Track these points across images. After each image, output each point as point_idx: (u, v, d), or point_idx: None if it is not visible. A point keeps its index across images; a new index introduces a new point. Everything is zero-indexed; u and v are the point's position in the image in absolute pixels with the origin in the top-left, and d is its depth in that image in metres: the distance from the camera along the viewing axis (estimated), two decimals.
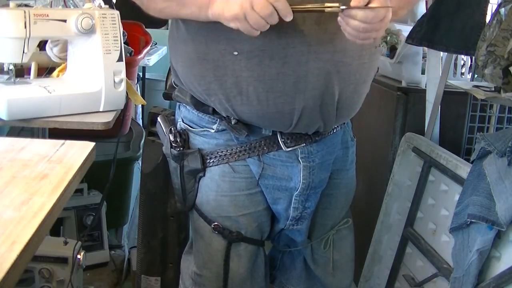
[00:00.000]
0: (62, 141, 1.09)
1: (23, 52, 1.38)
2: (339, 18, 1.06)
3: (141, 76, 3.58)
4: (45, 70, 1.64)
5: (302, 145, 1.27)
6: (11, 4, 1.52)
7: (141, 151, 2.33)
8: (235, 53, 1.15)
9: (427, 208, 1.74)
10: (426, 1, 1.90)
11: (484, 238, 1.27)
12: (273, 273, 1.51)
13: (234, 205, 1.30)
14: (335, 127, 1.31)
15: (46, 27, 1.39)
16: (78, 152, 1.05)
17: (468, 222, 1.32)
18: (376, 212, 1.96)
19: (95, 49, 1.47)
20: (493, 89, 1.64)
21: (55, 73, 1.62)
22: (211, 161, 1.28)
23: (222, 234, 1.31)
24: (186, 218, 1.70)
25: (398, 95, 1.96)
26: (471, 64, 1.98)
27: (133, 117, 2.98)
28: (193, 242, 1.41)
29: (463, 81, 1.93)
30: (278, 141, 1.26)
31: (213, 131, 1.28)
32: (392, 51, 2.05)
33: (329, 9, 1.04)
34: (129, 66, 1.97)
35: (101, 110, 1.49)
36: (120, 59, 1.50)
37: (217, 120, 1.27)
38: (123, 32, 1.89)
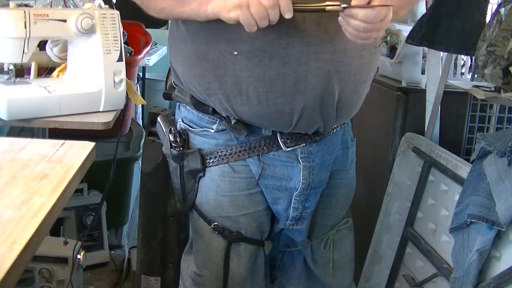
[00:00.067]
0: (62, 141, 1.09)
1: (23, 52, 1.38)
2: (339, 18, 1.06)
3: (141, 76, 3.58)
4: (45, 70, 1.64)
5: (302, 145, 1.27)
6: (11, 4, 1.52)
7: (141, 151, 2.33)
8: (235, 53, 1.15)
9: (427, 208, 1.74)
10: (426, 1, 1.90)
11: (484, 238, 1.27)
12: (273, 273, 1.51)
13: (234, 205, 1.30)
14: (335, 127, 1.31)
15: (46, 27, 1.39)
16: (78, 152, 1.05)
17: (468, 222, 1.32)
18: (376, 212, 1.96)
19: (95, 49, 1.47)
20: (493, 89, 1.64)
21: (55, 73, 1.62)
22: (211, 161, 1.28)
23: (222, 234, 1.31)
24: (186, 218, 1.70)
25: (398, 95, 1.96)
26: (471, 64, 1.98)
27: (133, 117, 2.98)
28: (193, 242, 1.41)
29: (463, 81, 1.93)
30: (278, 141, 1.26)
31: (213, 131, 1.28)
32: (392, 51, 2.05)
33: (330, 7, 1.04)
34: (129, 66, 1.97)
35: (101, 110, 1.49)
36: (120, 59, 1.50)
37: (217, 120, 1.27)
38: (123, 32, 1.89)
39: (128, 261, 2.31)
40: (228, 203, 1.30)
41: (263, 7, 1.01)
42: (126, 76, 1.53)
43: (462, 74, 1.99)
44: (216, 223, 1.31)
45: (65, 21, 1.42)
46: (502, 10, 1.45)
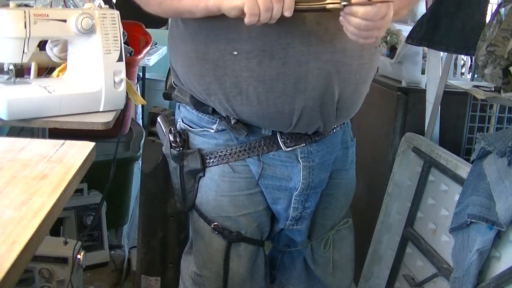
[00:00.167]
0: (62, 141, 1.09)
1: (23, 52, 1.39)
2: (340, 18, 1.05)
3: (141, 76, 3.58)
4: (45, 70, 1.64)
5: (302, 145, 1.27)
6: (11, 4, 1.52)
7: (141, 151, 2.33)
8: (235, 53, 1.15)
9: (427, 208, 1.74)
10: (426, 1, 1.90)
11: (484, 238, 1.27)
12: (273, 273, 1.51)
13: (234, 205, 1.30)
14: (335, 127, 1.31)
15: (46, 27, 1.39)
16: (78, 152, 1.05)
17: (468, 222, 1.32)
18: (376, 212, 1.96)
19: (95, 49, 1.47)
20: (493, 89, 1.64)
21: (55, 73, 1.62)
22: (211, 161, 1.28)
23: (222, 234, 1.31)
24: (186, 218, 1.70)
25: (398, 95, 1.96)
26: (471, 64, 1.98)
27: (133, 117, 2.98)
28: (193, 242, 1.41)
29: (463, 81, 1.93)
30: (278, 141, 1.26)
31: (212, 131, 1.28)
32: (392, 51, 2.05)
33: (330, 5, 1.04)
34: (129, 66, 1.97)
35: (101, 110, 1.49)
36: (120, 59, 1.50)
37: (216, 120, 1.27)
38: (123, 32, 1.89)
39: (128, 261, 2.31)
40: (228, 203, 1.30)
41: None
42: (126, 76, 1.53)
43: (462, 74, 1.99)
44: (216, 223, 1.31)
45: (65, 21, 1.42)
46: (502, 10, 1.45)
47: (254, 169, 1.28)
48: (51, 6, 2.12)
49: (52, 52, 1.59)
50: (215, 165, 1.28)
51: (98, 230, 2.25)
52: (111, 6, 1.59)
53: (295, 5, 1.03)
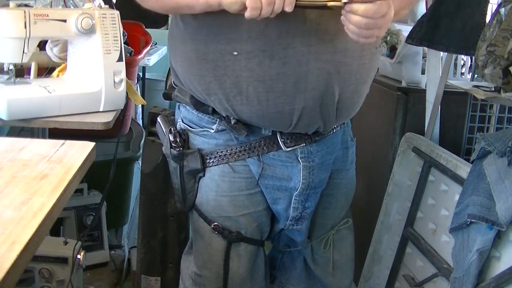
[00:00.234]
0: (62, 141, 1.09)
1: (23, 52, 1.38)
2: (342, 17, 1.05)
3: (141, 76, 3.58)
4: (45, 70, 1.64)
5: (302, 145, 1.27)
6: (11, 4, 1.52)
7: (141, 151, 2.33)
8: (235, 53, 1.15)
9: (427, 208, 1.74)
10: (426, 1, 1.90)
11: (484, 238, 1.27)
12: (273, 273, 1.51)
13: (234, 205, 1.30)
14: (334, 127, 1.31)
15: (46, 27, 1.39)
16: (78, 152, 1.05)
17: (468, 222, 1.32)
18: (376, 212, 1.96)
19: (95, 49, 1.47)
20: (493, 89, 1.64)
21: (55, 73, 1.62)
22: (211, 161, 1.28)
23: (222, 234, 1.31)
24: (186, 218, 1.70)
25: (398, 95, 1.96)
26: (471, 64, 1.98)
27: (133, 117, 2.98)
28: (193, 242, 1.41)
29: (463, 81, 1.93)
30: (278, 141, 1.26)
31: (212, 131, 1.28)
32: (392, 51, 2.05)
33: (332, 3, 1.04)
34: (129, 66, 1.97)
35: (101, 110, 1.49)
36: (120, 59, 1.50)
37: (216, 120, 1.27)
38: (123, 32, 1.89)
39: (128, 261, 2.31)
40: (228, 203, 1.30)
41: None
42: (126, 76, 1.53)
43: (462, 74, 1.99)
44: (216, 223, 1.31)
45: (65, 21, 1.42)
46: (502, 10, 1.45)
47: (254, 169, 1.28)
48: (51, 6, 2.12)
49: (52, 52, 1.59)
50: (215, 165, 1.28)
51: (98, 230, 2.25)
52: (111, 6, 1.59)
53: (296, 1, 1.03)
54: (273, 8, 1.01)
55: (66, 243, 1.70)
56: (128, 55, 2.30)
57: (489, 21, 1.49)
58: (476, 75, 1.92)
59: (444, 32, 1.64)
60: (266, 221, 1.36)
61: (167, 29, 1.44)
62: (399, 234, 1.85)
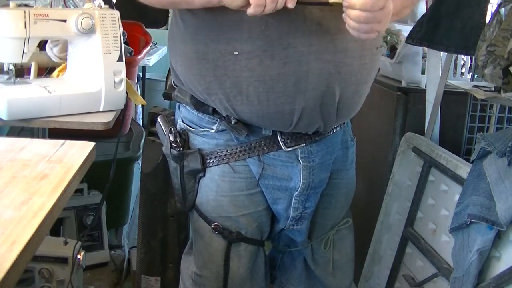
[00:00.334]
0: (62, 141, 1.09)
1: (23, 52, 1.38)
2: (343, 14, 1.05)
3: (141, 76, 3.58)
4: (45, 70, 1.64)
5: (302, 145, 1.27)
6: (11, 4, 1.52)
7: (141, 151, 2.33)
8: (236, 53, 1.15)
9: (427, 208, 1.74)
10: (426, 1, 1.90)
11: (484, 238, 1.27)
12: (273, 273, 1.51)
13: (234, 205, 1.30)
14: (335, 127, 1.31)
15: (46, 27, 1.39)
16: (78, 152, 1.05)
17: (468, 222, 1.32)
18: (376, 212, 1.96)
19: (95, 49, 1.47)
20: (493, 89, 1.64)
21: (55, 73, 1.62)
22: (211, 161, 1.28)
23: (222, 234, 1.31)
24: (186, 218, 1.70)
25: (398, 95, 1.96)
26: (471, 64, 1.98)
27: (133, 117, 2.98)
28: (193, 242, 1.41)
29: (463, 81, 1.93)
30: (278, 141, 1.26)
31: (213, 131, 1.28)
32: (392, 51, 2.05)
33: (333, 0, 1.04)
34: (129, 66, 1.97)
35: (101, 110, 1.49)
36: (120, 59, 1.50)
37: (217, 120, 1.27)
38: (123, 32, 1.89)
39: (128, 261, 2.31)
40: (228, 203, 1.30)
41: None
42: (126, 76, 1.53)
43: (462, 74, 1.99)
44: (216, 223, 1.31)
45: (65, 21, 1.42)
46: (502, 10, 1.45)
47: (254, 169, 1.28)
48: (51, 6, 2.12)
49: (52, 52, 1.59)
50: (215, 165, 1.28)
51: (98, 230, 2.25)
52: (111, 6, 1.59)
53: None
54: (276, 4, 1.01)
55: (66, 243, 1.70)
56: (128, 55, 2.30)
57: (489, 21, 1.49)
58: (476, 75, 1.92)
59: (444, 32, 1.64)
60: (266, 221, 1.36)
61: (167, 29, 1.44)
62: (399, 234, 1.85)
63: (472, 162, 1.46)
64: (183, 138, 1.31)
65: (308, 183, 1.29)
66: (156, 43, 3.33)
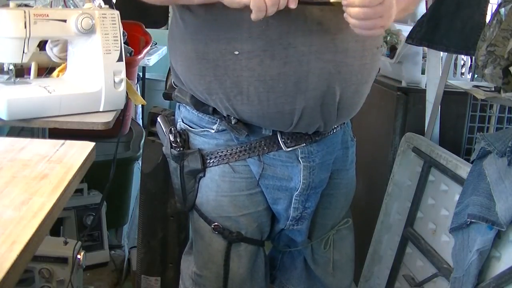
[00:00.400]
0: (62, 141, 1.09)
1: (23, 52, 1.38)
2: (345, 14, 1.05)
3: (141, 76, 3.58)
4: (45, 70, 1.64)
5: (302, 145, 1.27)
6: (11, 4, 1.52)
7: (141, 151, 2.33)
8: (236, 52, 1.15)
9: (427, 208, 1.74)
10: (426, 1, 1.90)
11: (484, 238, 1.27)
12: (273, 273, 1.51)
13: (234, 205, 1.30)
14: (335, 127, 1.31)
15: (46, 27, 1.39)
16: (78, 152, 1.05)
17: (468, 222, 1.32)
18: (376, 212, 1.96)
19: (95, 49, 1.47)
20: (493, 89, 1.64)
21: (55, 73, 1.62)
22: (211, 161, 1.28)
23: (222, 234, 1.31)
24: (186, 218, 1.70)
25: (398, 95, 1.96)
26: (471, 64, 1.98)
27: (133, 117, 2.98)
28: (193, 242, 1.41)
29: (463, 81, 1.93)
30: (278, 141, 1.26)
31: (213, 131, 1.28)
32: (392, 51, 2.05)
33: None
34: (129, 66, 1.97)
35: (101, 110, 1.49)
36: (120, 59, 1.50)
37: (217, 120, 1.27)
38: (123, 32, 1.89)
39: (128, 261, 2.31)
40: (228, 203, 1.30)
41: None
42: (126, 76, 1.53)
43: (462, 74, 1.99)
44: (216, 223, 1.31)
45: (65, 21, 1.42)
46: (502, 10, 1.45)
47: (254, 169, 1.28)
48: (51, 6, 2.12)
49: (52, 52, 1.59)
50: (215, 165, 1.28)
51: (98, 230, 2.25)
52: (111, 6, 1.59)
53: None
54: (278, 6, 1.01)
55: (66, 243, 1.71)
56: (128, 55, 2.30)
57: (489, 21, 1.49)
58: (476, 75, 1.92)
59: (444, 32, 1.64)
60: (266, 221, 1.36)
61: (167, 29, 1.45)
62: (399, 234, 1.85)
63: (472, 162, 1.46)
64: (183, 138, 1.31)
65: (308, 183, 1.29)
66: (156, 43, 3.33)
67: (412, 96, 1.95)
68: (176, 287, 1.50)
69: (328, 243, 1.44)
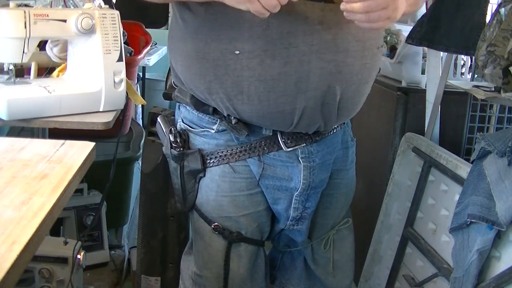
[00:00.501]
0: (62, 141, 1.09)
1: (23, 52, 1.38)
2: (345, 13, 1.04)
3: (141, 76, 3.58)
4: (45, 70, 1.64)
5: (303, 145, 1.27)
6: (11, 4, 1.52)
7: (141, 151, 2.33)
8: (237, 52, 1.15)
9: (427, 208, 1.74)
10: (426, 1, 1.90)
11: (484, 238, 1.27)
12: (274, 273, 1.51)
13: (234, 206, 1.30)
14: (335, 127, 1.32)
15: (46, 27, 1.39)
16: (78, 152, 1.05)
17: (468, 222, 1.32)
18: (376, 212, 1.96)
19: (95, 49, 1.47)
20: (493, 89, 1.64)
21: (55, 73, 1.62)
22: (211, 161, 1.28)
23: (222, 235, 1.31)
24: (186, 218, 1.70)
25: (398, 95, 1.96)
26: (471, 64, 1.98)
27: (133, 117, 2.98)
28: (193, 242, 1.41)
29: (463, 81, 1.93)
30: (279, 141, 1.26)
31: (213, 131, 1.28)
32: (392, 51, 2.05)
33: None
34: (129, 66, 1.97)
35: (101, 110, 1.49)
36: (120, 59, 1.50)
37: (217, 121, 1.27)
38: (123, 32, 1.89)
39: (128, 261, 2.31)
40: (228, 203, 1.30)
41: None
42: (126, 76, 1.53)
43: (462, 74, 1.99)
44: (216, 224, 1.31)
45: (65, 21, 1.42)
46: (502, 10, 1.45)
47: (254, 169, 1.28)
48: (51, 6, 2.12)
49: (52, 52, 1.59)
50: (215, 166, 1.28)
51: (98, 230, 2.25)
52: (111, 6, 1.59)
53: None
54: (280, 3, 1.01)
55: (66, 243, 1.71)
56: (128, 55, 2.30)
57: (489, 21, 1.49)
58: (476, 75, 1.92)
59: (444, 32, 1.64)
60: (267, 221, 1.36)
61: (167, 29, 1.44)
62: (399, 234, 1.85)
63: (472, 162, 1.46)
64: (183, 138, 1.31)
65: (308, 183, 1.29)
66: (156, 43, 3.33)
67: (412, 96, 1.95)
68: (176, 287, 1.50)
69: (328, 243, 1.44)
